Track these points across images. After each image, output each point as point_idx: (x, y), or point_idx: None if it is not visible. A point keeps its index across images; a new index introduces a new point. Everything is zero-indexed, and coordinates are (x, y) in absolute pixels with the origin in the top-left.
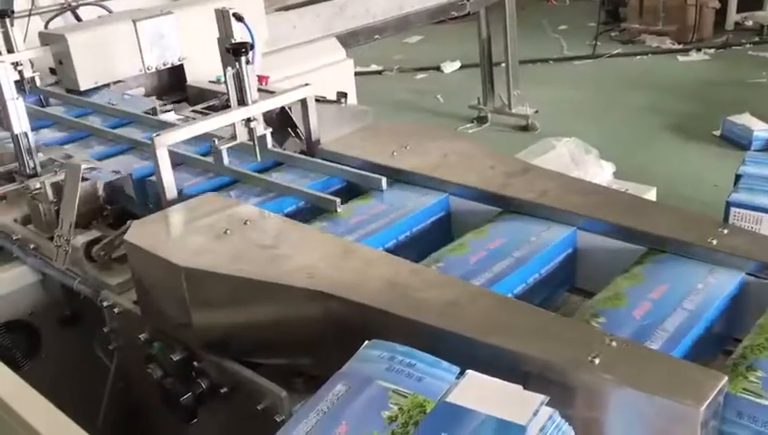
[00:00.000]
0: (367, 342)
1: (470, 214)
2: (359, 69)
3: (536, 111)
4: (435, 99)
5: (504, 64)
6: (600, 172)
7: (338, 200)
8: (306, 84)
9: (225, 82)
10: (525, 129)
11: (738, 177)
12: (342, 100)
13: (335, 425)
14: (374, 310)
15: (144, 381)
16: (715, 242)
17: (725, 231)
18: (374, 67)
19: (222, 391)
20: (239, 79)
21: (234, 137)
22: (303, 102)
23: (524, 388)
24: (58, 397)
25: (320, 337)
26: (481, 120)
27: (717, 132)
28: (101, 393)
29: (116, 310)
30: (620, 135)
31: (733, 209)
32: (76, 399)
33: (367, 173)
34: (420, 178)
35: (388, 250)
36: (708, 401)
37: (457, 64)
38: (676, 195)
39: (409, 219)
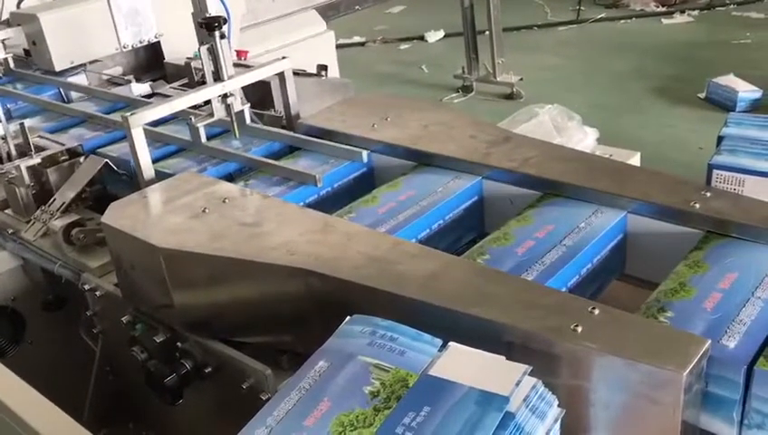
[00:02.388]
0: (348, 317)
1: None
2: (341, 41)
3: (521, 79)
4: (419, 69)
5: (487, 32)
6: (584, 138)
7: (318, 175)
8: (283, 57)
9: (200, 57)
10: (510, 97)
11: (720, 138)
12: (323, 72)
13: (317, 402)
14: (355, 285)
15: (129, 364)
16: (697, 205)
17: (708, 194)
18: (356, 39)
19: (206, 371)
20: (214, 54)
21: (211, 114)
22: (281, 76)
23: (508, 358)
24: (44, 383)
25: (302, 314)
26: (466, 89)
27: (702, 95)
28: (88, 377)
29: (97, 293)
30: (605, 100)
31: (715, 172)
32: (63, 384)
33: (347, 146)
34: (401, 151)
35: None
36: (691, 366)
37: (441, 33)
38: (662, 159)
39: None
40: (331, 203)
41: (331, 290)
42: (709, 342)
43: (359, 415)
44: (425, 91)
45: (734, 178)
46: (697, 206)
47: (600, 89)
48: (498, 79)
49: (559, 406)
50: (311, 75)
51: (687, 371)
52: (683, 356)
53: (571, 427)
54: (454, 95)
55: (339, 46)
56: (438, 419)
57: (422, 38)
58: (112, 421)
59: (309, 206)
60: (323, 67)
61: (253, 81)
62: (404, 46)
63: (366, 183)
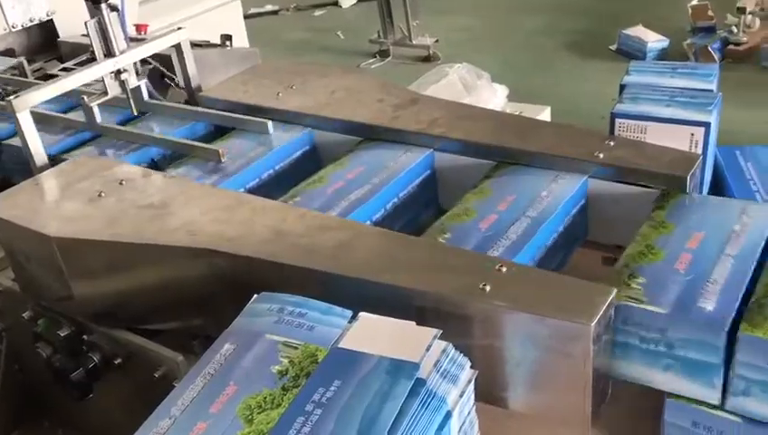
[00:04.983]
0: (255, 296)
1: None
2: (252, 10)
3: (437, 41)
4: (335, 36)
5: None
6: (493, 96)
7: (221, 150)
8: (179, 28)
9: (88, 33)
10: (428, 59)
11: (623, 87)
12: (227, 43)
13: (223, 387)
14: (261, 262)
15: (36, 361)
16: (601, 155)
17: (612, 143)
18: (269, 8)
19: (116, 362)
20: (102, 28)
21: (105, 92)
22: (178, 48)
23: (421, 323)
24: None
25: (210, 296)
26: (383, 54)
27: (614, 47)
28: None
29: None
30: (519, 58)
31: (618, 120)
32: None
33: (251, 117)
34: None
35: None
36: (598, 317)
37: None
38: (576, 112)
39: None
40: (274, 187)
41: (237, 269)
42: (615, 291)
43: (266, 396)
44: (341, 57)
45: (636, 125)
46: (601, 156)
47: (514, 47)
48: (414, 42)
49: (472, 367)
50: (215, 46)
51: (595, 322)
52: (589, 308)
53: (487, 386)
54: (371, 60)
55: (250, 16)
56: (349, 392)
57: (336, 3)
58: (26, 421)
59: (250, 192)
60: (227, 37)
61: (147, 54)
62: (318, 13)
63: (311, 163)
